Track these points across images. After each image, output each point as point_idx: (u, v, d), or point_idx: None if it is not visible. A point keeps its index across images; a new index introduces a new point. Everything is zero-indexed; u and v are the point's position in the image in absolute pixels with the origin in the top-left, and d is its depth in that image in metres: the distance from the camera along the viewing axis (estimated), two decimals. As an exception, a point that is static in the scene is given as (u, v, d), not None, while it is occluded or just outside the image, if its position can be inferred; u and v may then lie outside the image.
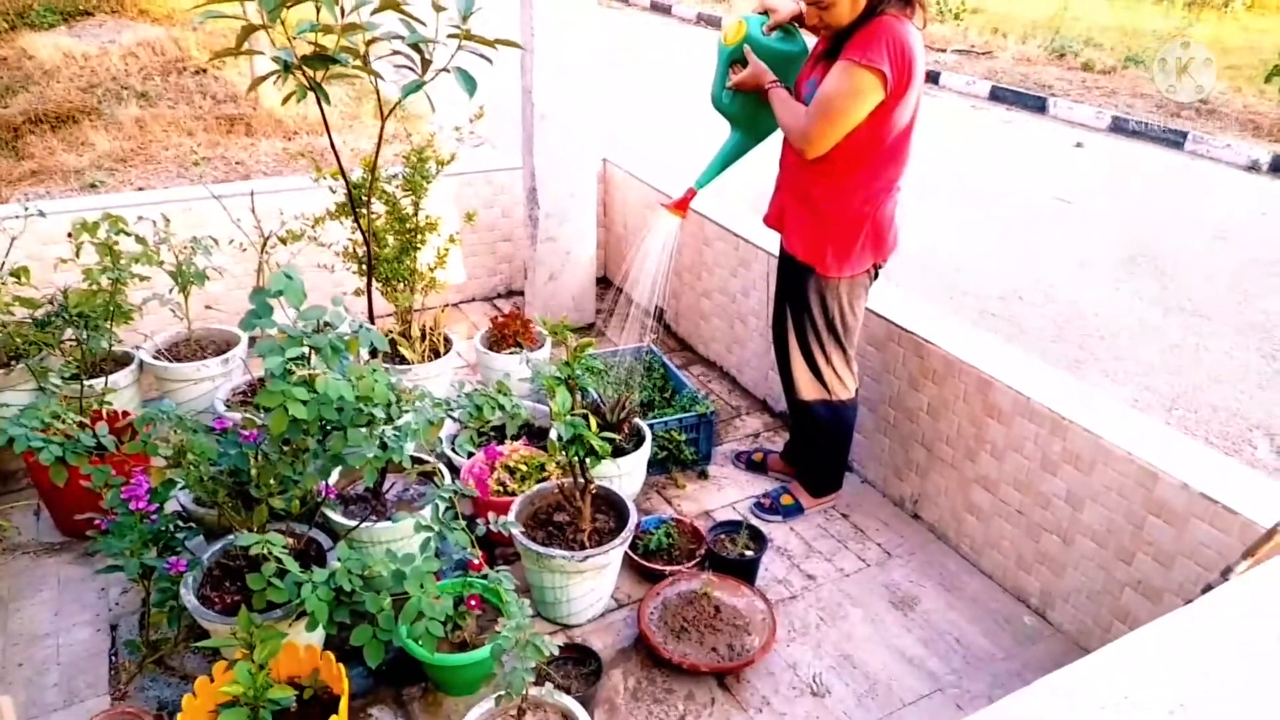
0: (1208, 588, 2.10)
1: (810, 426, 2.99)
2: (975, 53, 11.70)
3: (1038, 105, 9.78)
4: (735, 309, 3.86)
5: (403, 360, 3.38)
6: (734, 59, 2.69)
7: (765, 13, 2.73)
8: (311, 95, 2.12)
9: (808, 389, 2.89)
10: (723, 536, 2.85)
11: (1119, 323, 5.03)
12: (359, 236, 3.28)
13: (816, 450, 3.06)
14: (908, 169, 2.61)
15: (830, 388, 2.86)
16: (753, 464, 3.35)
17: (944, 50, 11.70)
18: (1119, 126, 9.04)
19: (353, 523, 2.47)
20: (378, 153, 2.49)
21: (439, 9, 2.14)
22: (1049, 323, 5.01)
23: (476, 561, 2.26)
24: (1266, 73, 9.40)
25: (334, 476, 2.57)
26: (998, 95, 10.18)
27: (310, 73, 2.04)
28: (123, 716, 2.02)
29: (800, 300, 2.77)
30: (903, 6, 2.40)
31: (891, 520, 3.10)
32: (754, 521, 3.00)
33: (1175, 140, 8.58)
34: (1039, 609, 2.69)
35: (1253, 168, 7.99)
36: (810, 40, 2.71)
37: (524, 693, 1.85)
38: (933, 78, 10.66)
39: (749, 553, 2.77)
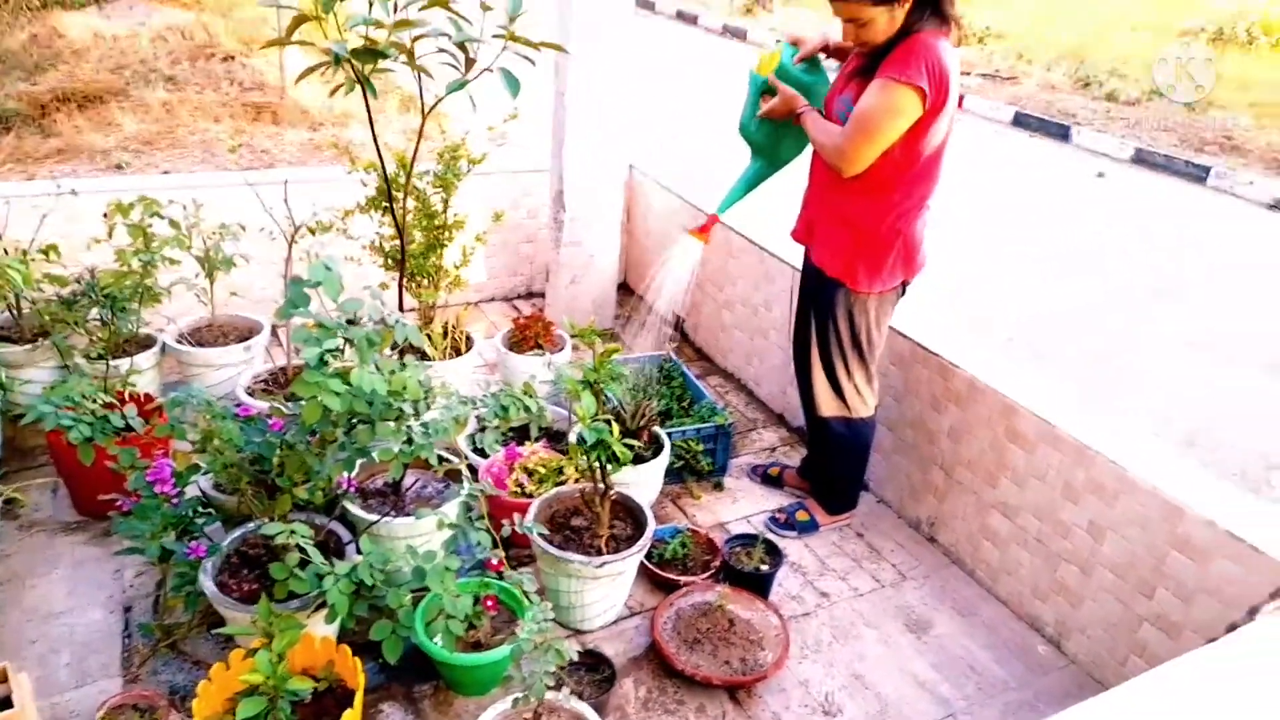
0: (1233, 626, 2.09)
1: (828, 443, 2.98)
2: (1000, 78, 11.70)
3: (1061, 133, 9.77)
4: (757, 322, 3.85)
5: (424, 356, 3.38)
6: (765, 89, 2.72)
7: (795, 44, 2.76)
8: (334, 85, 2.12)
9: (827, 405, 2.89)
10: (738, 549, 2.84)
11: (1138, 355, 5.02)
12: (388, 230, 3.28)
13: (834, 468, 3.05)
14: (938, 188, 2.61)
15: (850, 405, 2.86)
16: (768, 478, 3.34)
17: (968, 74, 11.70)
18: (1142, 158, 9.02)
19: (372, 516, 2.47)
20: (417, 149, 2.50)
21: (486, 8, 2.15)
22: (1070, 351, 5.00)
23: (496, 562, 2.26)
24: (1292, 111, 9.37)
25: (355, 468, 2.57)
26: (1021, 121, 10.18)
27: (359, 65, 2.04)
28: (138, 699, 2.01)
29: (827, 315, 2.76)
30: (939, 24, 2.40)
31: (907, 542, 3.09)
32: (769, 536, 2.99)
33: (1199, 175, 8.56)
34: (1054, 638, 2.67)
35: (1276, 206, 7.97)
36: (832, 71, 2.74)
37: (541, 696, 1.84)
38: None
39: (764, 567, 2.76)
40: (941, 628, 2.72)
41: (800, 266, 3.02)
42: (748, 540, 2.86)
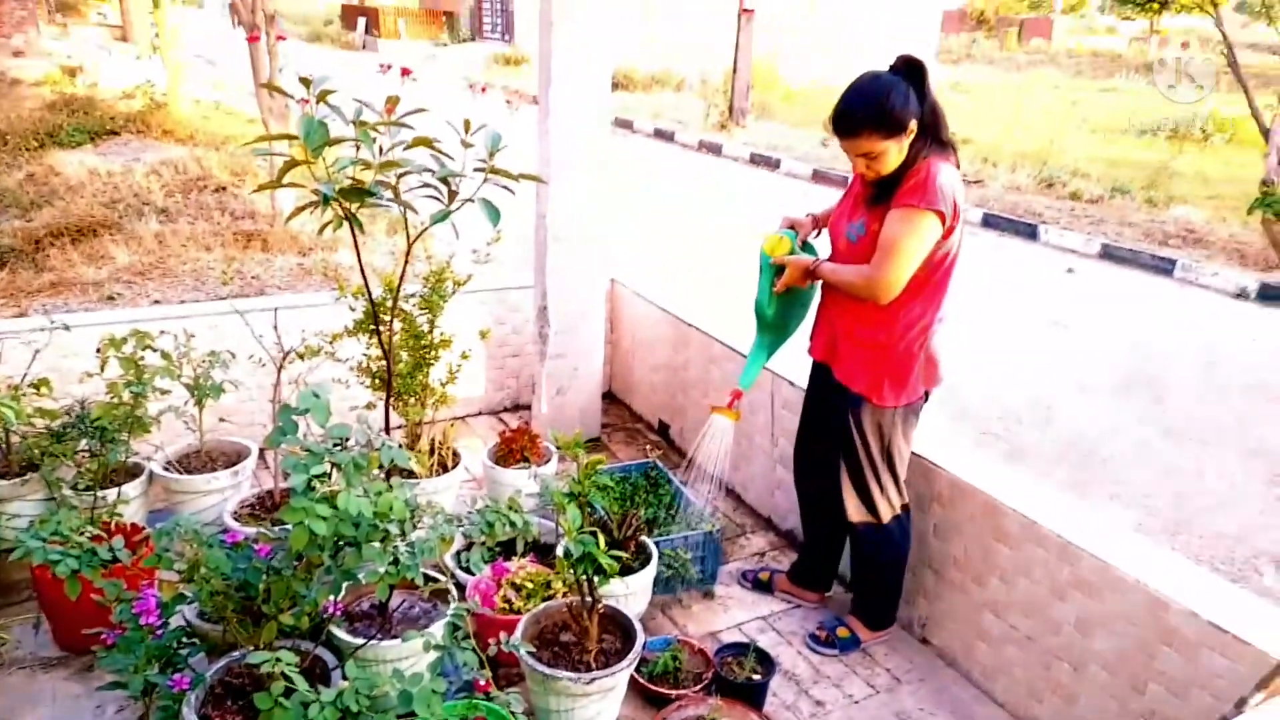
0: (1224, 720, 2.08)
1: (862, 554, 2.98)
2: (967, 181, 12.15)
3: (1029, 232, 10.10)
4: (741, 426, 3.89)
5: (411, 474, 3.40)
6: (778, 270, 2.88)
7: (793, 227, 2.95)
8: (323, 222, 2.23)
9: (855, 512, 2.89)
10: (730, 659, 2.81)
11: (1119, 446, 5.08)
12: (376, 352, 3.36)
13: (870, 578, 3.02)
14: (949, 299, 2.72)
15: (880, 513, 2.87)
16: (759, 583, 3.33)
17: (936, 178, 12.13)
18: (1109, 253, 9.32)
19: (358, 640, 2.45)
20: (403, 275, 2.59)
21: (468, 145, 2.28)
22: (1050, 444, 5.06)
23: (484, 682, 2.23)
24: (1249, 204, 9.75)
25: (341, 592, 2.56)
26: (990, 222, 10.54)
27: (346, 204, 2.15)
28: (116, 844, 1.95)
29: (852, 431, 2.80)
30: (942, 149, 2.58)
31: (900, 645, 3.07)
32: (809, 654, 2.99)
33: (1165, 267, 8.83)
34: (1053, 740, 2.63)
35: (1241, 295, 8.21)
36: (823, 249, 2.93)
37: (532, 823, 1.81)
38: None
39: (757, 676, 2.73)
40: (940, 733, 2.68)
41: (807, 383, 3.08)
42: (739, 649, 2.83)
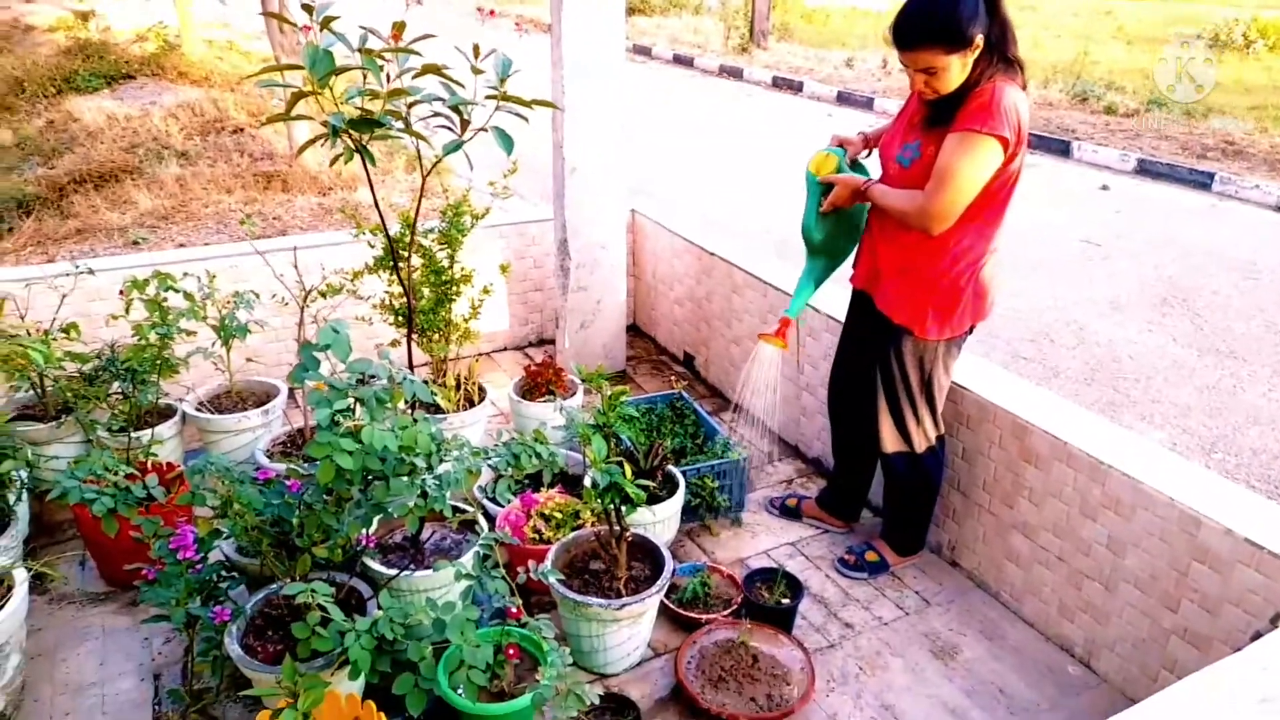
0: (1257, 635, 2.07)
1: (893, 481, 2.94)
2: (997, 98, 11.76)
3: (1061, 149, 9.81)
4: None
5: (438, 409, 3.43)
6: (825, 189, 2.75)
7: (842, 145, 2.79)
8: (334, 154, 2.19)
9: (891, 442, 2.84)
10: (759, 584, 2.84)
11: (1153, 364, 4.99)
12: (397, 289, 3.35)
13: (900, 505, 2.99)
14: (1002, 228, 2.59)
15: (915, 443, 2.82)
16: (787, 510, 3.35)
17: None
18: (1145, 168, 9.04)
19: (391, 571, 2.49)
20: (418, 210, 2.56)
21: (478, 72, 2.22)
22: (1082, 365, 4.98)
23: (515, 610, 2.27)
24: (1292, 113, 9.37)
25: (373, 525, 2.60)
26: (1021, 139, 10.24)
27: (356, 135, 2.12)
28: (168, 767, 2.04)
29: (893, 362, 2.72)
30: (1008, 68, 2.39)
31: (928, 567, 3.07)
32: (837, 577, 2.99)
33: (1202, 181, 8.56)
34: (1083, 658, 2.64)
35: (1282, 207, 7.95)
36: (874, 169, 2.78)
37: (565, 743, 1.85)
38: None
39: (786, 601, 2.75)
40: (969, 652, 2.70)
41: (846, 311, 2.99)
42: (768, 575, 2.86)
